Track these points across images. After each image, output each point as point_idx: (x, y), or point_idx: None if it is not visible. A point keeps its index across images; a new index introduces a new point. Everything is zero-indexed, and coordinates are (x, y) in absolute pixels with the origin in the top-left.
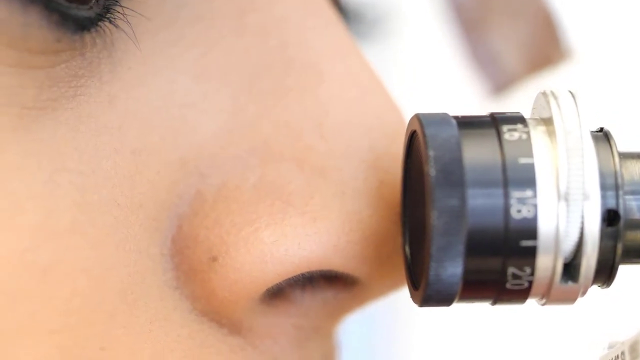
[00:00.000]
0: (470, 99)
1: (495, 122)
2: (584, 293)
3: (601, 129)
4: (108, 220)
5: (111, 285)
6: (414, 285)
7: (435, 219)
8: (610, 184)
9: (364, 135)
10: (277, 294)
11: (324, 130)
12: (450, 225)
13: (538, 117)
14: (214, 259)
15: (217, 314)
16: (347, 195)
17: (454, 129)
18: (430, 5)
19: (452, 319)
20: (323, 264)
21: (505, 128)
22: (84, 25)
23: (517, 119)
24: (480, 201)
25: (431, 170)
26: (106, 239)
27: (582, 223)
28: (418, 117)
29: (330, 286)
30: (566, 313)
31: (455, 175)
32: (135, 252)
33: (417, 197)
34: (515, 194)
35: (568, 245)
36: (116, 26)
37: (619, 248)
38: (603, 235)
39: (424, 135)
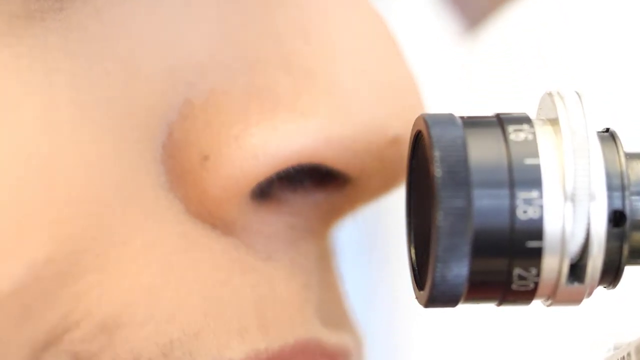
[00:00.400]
0: (444, 37)
1: (501, 123)
2: (589, 294)
3: (607, 130)
4: (103, 119)
5: (108, 181)
6: (419, 286)
7: (441, 219)
8: (617, 185)
9: (349, 38)
10: (269, 195)
11: (309, 35)
12: (456, 226)
13: (544, 118)
14: (206, 158)
15: (210, 216)
16: (336, 93)
17: (459, 130)
18: None
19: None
20: (314, 157)
21: (511, 128)
22: None
23: (523, 120)
24: (486, 202)
25: (437, 171)
26: (102, 137)
27: (589, 224)
28: (423, 118)
29: (321, 188)
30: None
31: (461, 176)
32: (129, 153)
33: (422, 197)
34: (521, 195)
35: (574, 246)
36: None
37: (625, 249)
38: (609, 236)
39: (430, 136)
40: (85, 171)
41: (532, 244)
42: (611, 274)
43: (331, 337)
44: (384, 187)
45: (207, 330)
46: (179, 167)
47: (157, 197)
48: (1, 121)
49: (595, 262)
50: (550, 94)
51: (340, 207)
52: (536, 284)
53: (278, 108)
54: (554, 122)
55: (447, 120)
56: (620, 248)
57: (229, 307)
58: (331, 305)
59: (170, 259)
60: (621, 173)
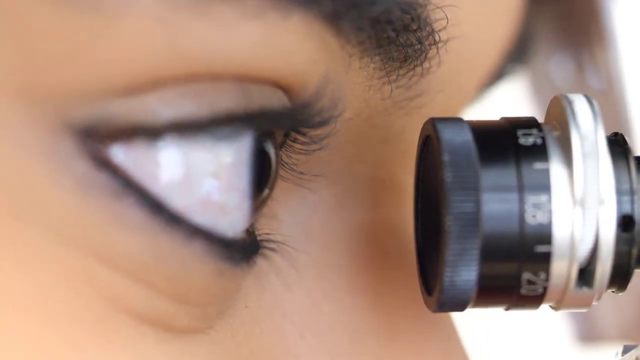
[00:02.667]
0: None
1: (510, 127)
2: (598, 298)
3: (616, 134)
4: None
5: None
6: (428, 291)
7: (450, 224)
8: (626, 189)
9: None
10: None
11: None
12: (465, 231)
13: (553, 122)
14: None
15: None
16: None
17: (468, 134)
18: None
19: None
20: None
21: (520, 133)
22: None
23: (532, 124)
24: (495, 206)
25: (446, 175)
26: None
27: (597, 228)
28: (432, 122)
29: None
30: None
31: (470, 180)
32: None
33: (430, 202)
34: (531, 199)
35: (583, 250)
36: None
37: (634, 253)
38: (618, 241)
39: (439, 140)
40: None
41: (541, 248)
42: (620, 279)
43: None
44: None
45: None
46: None
47: None
48: None
49: (604, 267)
50: (559, 98)
51: None
52: (545, 288)
53: None
54: (563, 126)
55: (456, 124)
56: (629, 252)
57: None
58: None
59: None
60: (630, 178)
